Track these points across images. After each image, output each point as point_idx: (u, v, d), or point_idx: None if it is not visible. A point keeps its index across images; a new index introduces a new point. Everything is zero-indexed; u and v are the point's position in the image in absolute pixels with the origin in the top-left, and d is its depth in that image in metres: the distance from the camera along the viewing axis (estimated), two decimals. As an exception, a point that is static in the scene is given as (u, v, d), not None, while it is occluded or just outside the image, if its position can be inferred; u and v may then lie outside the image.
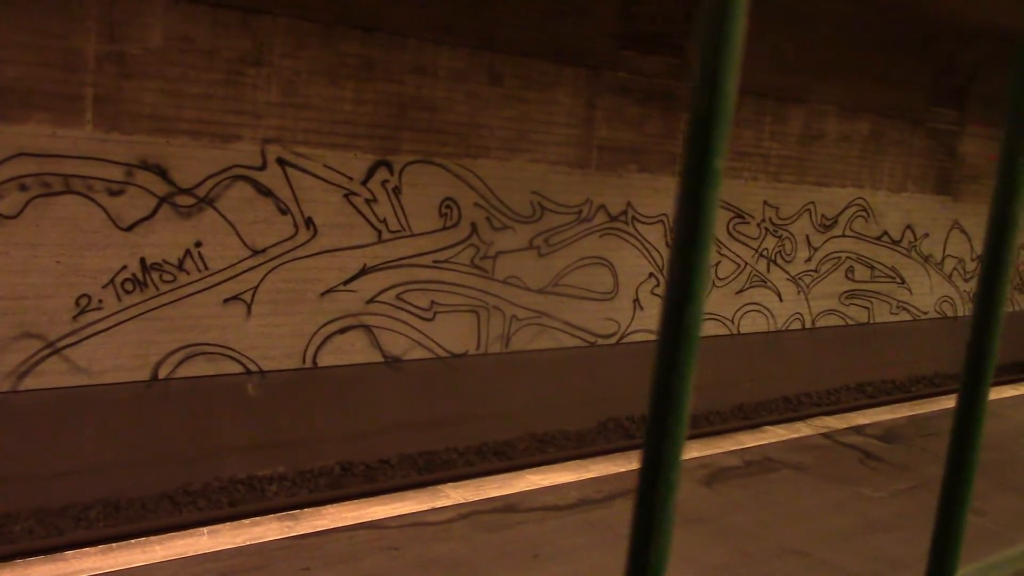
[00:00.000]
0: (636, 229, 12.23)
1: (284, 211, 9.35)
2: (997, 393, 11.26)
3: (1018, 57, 0.40)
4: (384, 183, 9.96)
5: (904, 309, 16.14)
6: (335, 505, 6.54)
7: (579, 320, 11.85)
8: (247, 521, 6.12)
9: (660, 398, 0.33)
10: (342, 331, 9.92)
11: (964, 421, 0.42)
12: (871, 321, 15.62)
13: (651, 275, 12.55)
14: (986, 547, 5.26)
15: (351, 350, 10.04)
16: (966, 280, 17.23)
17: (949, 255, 16.74)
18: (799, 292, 14.47)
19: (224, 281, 9.10)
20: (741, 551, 6.26)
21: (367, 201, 9.87)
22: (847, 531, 6.77)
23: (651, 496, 0.34)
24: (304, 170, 9.41)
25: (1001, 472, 8.25)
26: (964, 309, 17.30)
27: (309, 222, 9.51)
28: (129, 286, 8.58)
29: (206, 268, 8.97)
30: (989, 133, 16.52)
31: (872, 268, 15.48)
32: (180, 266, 8.82)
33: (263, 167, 9.16)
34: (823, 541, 6.53)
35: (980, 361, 0.42)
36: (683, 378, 0.32)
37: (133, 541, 5.72)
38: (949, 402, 10.68)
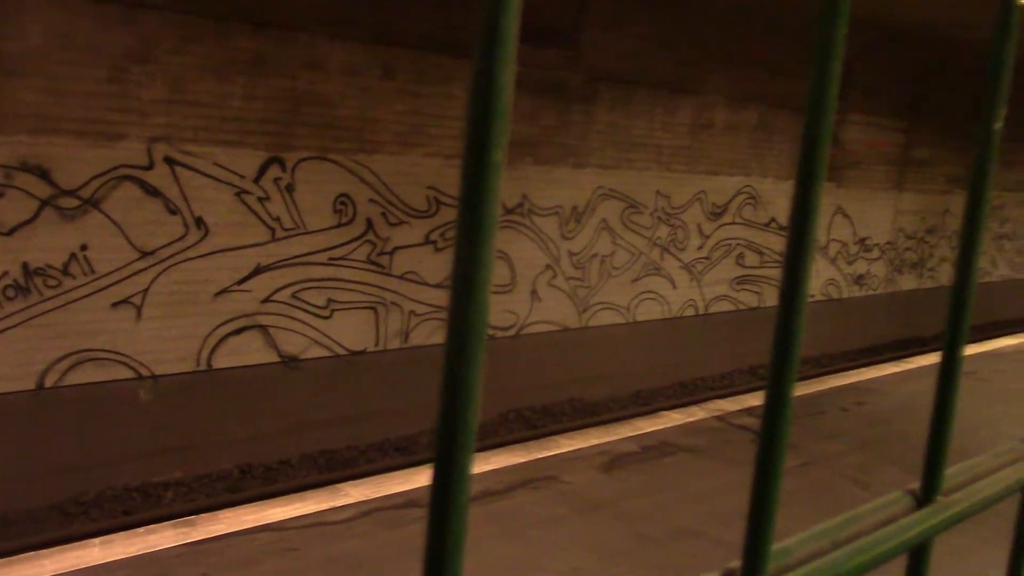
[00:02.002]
0: (532, 221, 12.33)
1: (173, 211, 9.15)
2: (879, 371, 11.72)
3: (816, 48, 0.45)
4: (277, 180, 9.83)
5: (793, 293, 16.63)
6: (233, 509, 6.45)
7: (478, 313, 11.89)
8: (142, 530, 5.99)
9: (449, 390, 0.36)
10: (237, 332, 9.77)
11: (773, 406, 0.46)
12: (761, 305, 16.07)
13: (548, 267, 12.67)
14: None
15: (247, 351, 9.89)
16: (849, 263, 17.86)
17: (834, 239, 17.32)
18: (692, 279, 14.79)
19: (112, 284, 8.87)
20: (640, 534, 6.40)
21: (260, 199, 9.73)
22: (741, 510, 6.93)
23: (445, 491, 0.36)
24: (193, 169, 9.22)
25: (884, 446, 8.60)
26: (848, 291, 17.93)
27: (200, 222, 9.32)
28: (11, 292, 8.29)
29: (93, 272, 8.72)
30: (869, 120, 17.13)
31: (761, 254, 15.92)
32: (65, 270, 8.56)
33: (150, 166, 8.94)
34: (718, 521, 6.71)
35: (786, 349, 0.47)
36: (471, 369, 0.35)
37: (22, 556, 5.55)
38: (834, 381, 11.08)
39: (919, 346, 17.91)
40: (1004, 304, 22.10)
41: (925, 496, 0.55)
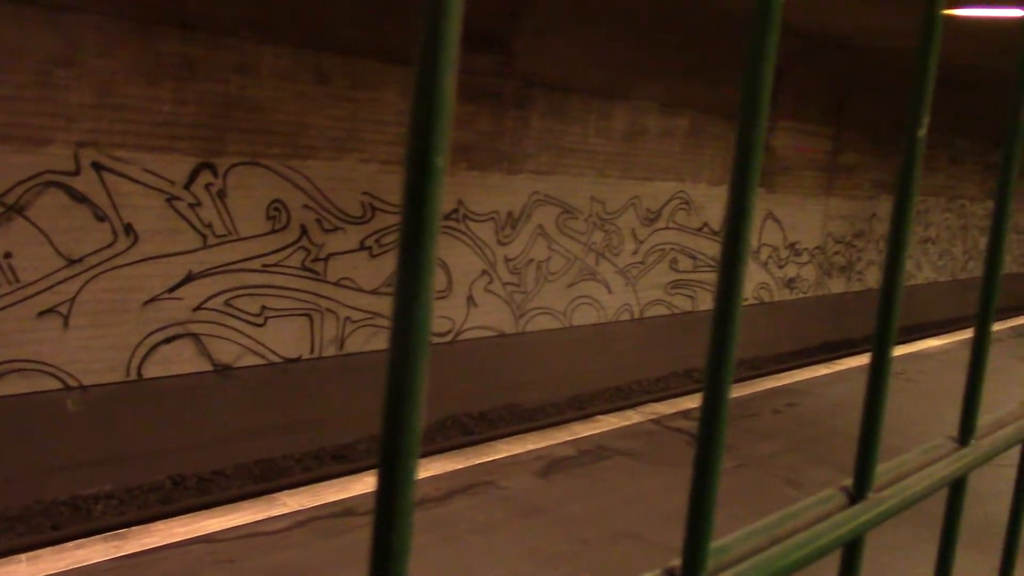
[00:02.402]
0: (468, 227, 12.33)
1: (102, 218, 8.97)
2: (811, 372, 11.94)
3: (747, 56, 0.46)
4: (208, 186, 9.69)
5: (726, 297, 16.86)
6: (166, 521, 6.33)
7: (414, 319, 11.85)
8: (70, 544, 5.85)
9: (394, 395, 0.36)
10: (168, 340, 9.60)
11: (710, 408, 0.47)
12: (695, 309, 16.26)
13: (484, 272, 12.67)
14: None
15: (179, 360, 9.73)
16: (780, 267, 18.16)
17: (765, 244, 17.61)
18: (627, 284, 14.92)
19: (38, 293, 8.65)
20: (578, 539, 6.43)
21: (191, 205, 9.58)
22: (677, 512, 7.01)
23: (390, 497, 0.36)
24: (122, 174, 9.05)
25: (816, 447, 8.76)
26: (779, 294, 18.24)
27: (129, 229, 9.15)
28: (-69, 302, 8.05)
29: (17, 280, 8.50)
30: (799, 127, 17.46)
31: (695, 258, 16.12)
32: (-12, 279, 8.34)
33: (77, 172, 8.75)
34: (655, 523, 6.77)
35: (722, 351, 0.48)
36: (416, 374, 0.35)
37: (-56, 573, 5.38)
38: (767, 383, 11.25)
39: (848, 348, 18.29)
40: (929, 306, 22.67)
41: (858, 493, 0.57)
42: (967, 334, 15.50)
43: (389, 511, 0.36)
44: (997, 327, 16.62)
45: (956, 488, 0.70)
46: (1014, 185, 0.75)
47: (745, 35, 0.49)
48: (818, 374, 11.82)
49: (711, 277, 16.52)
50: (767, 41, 0.44)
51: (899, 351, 13.77)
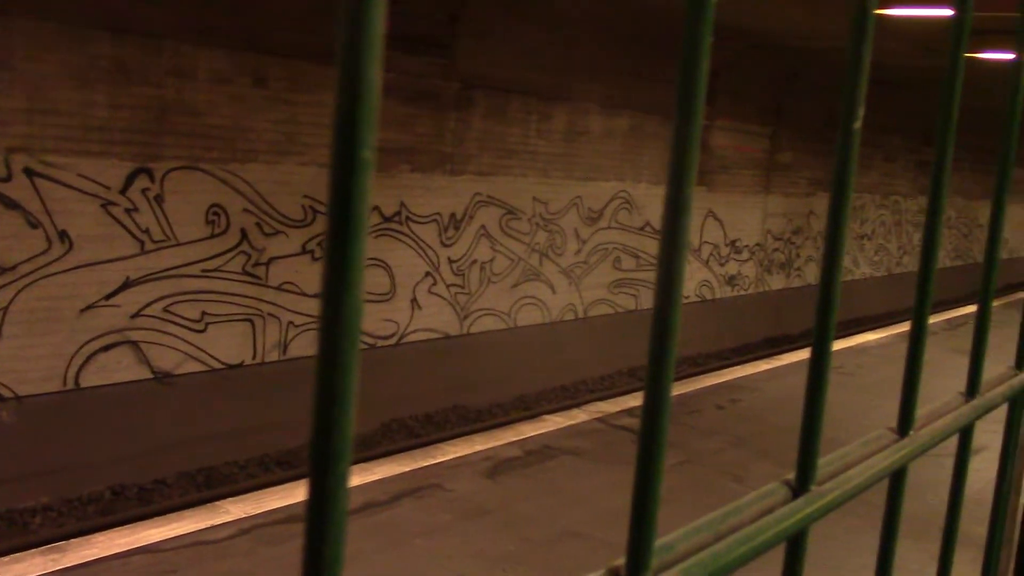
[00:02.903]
0: (411, 229, 12.28)
1: (35, 224, 8.76)
2: (752, 368, 12.09)
3: (683, 56, 0.46)
4: (145, 191, 9.53)
5: (668, 295, 17.01)
6: (106, 532, 6.21)
7: (358, 323, 11.77)
8: (7, 558, 5.71)
9: (323, 397, 0.35)
10: (106, 349, 9.42)
11: (652, 405, 0.47)
12: (639, 308, 16.38)
13: (428, 274, 12.64)
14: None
15: (117, 368, 9.55)
16: (721, 265, 18.38)
17: (706, 242, 17.80)
18: (571, 284, 14.98)
19: (-31, 302, 8.44)
20: (525, 539, 6.43)
21: (127, 211, 9.41)
22: (623, 510, 6.98)
23: (321, 504, 0.35)
24: (55, 180, 8.85)
25: (758, 442, 8.87)
26: (720, 291, 18.45)
27: (63, 235, 8.96)
28: None
29: (-53, 289, 8.29)
30: (736, 126, 17.68)
31: (637, 257, 16.24)
32: (-84, 288, 8.11)
33: (8, 178, 8.55)
34: (601, 521, 6.81)
35: (663, 348, 0.48)
36: (346, 374, 0.35)
37: None
38: (710, 380, 11.37)
39: (789, 343, 18.56)
40: (865, 301, 23.09)
41: (800, 486, 0.57)
42: (904, 328, 15.83)
43: (321, 519, 0.35)
44: (932, 320, 16.98)
45: (897, 479, 0.71)
46: (947, 183, 0.77)
47: (684, 35, 0.49)
48: (759, 370, 11.98)
49: (654, 275, 16.62)
50: (700, 43, 0.44)
51: (837, 345, 14.01)
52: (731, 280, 18.71)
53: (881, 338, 14.62)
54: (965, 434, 0.82)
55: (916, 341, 0.73)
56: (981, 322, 0.83)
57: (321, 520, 0.35)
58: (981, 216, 29.29)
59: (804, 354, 13.17)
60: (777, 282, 20.16)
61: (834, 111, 20.50)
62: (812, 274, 21.33)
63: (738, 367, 12.43)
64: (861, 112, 0.57)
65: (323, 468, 0.35)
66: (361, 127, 0.32)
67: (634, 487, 0.47)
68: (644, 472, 0.46)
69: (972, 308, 18.59)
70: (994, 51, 12.81)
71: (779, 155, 19.24)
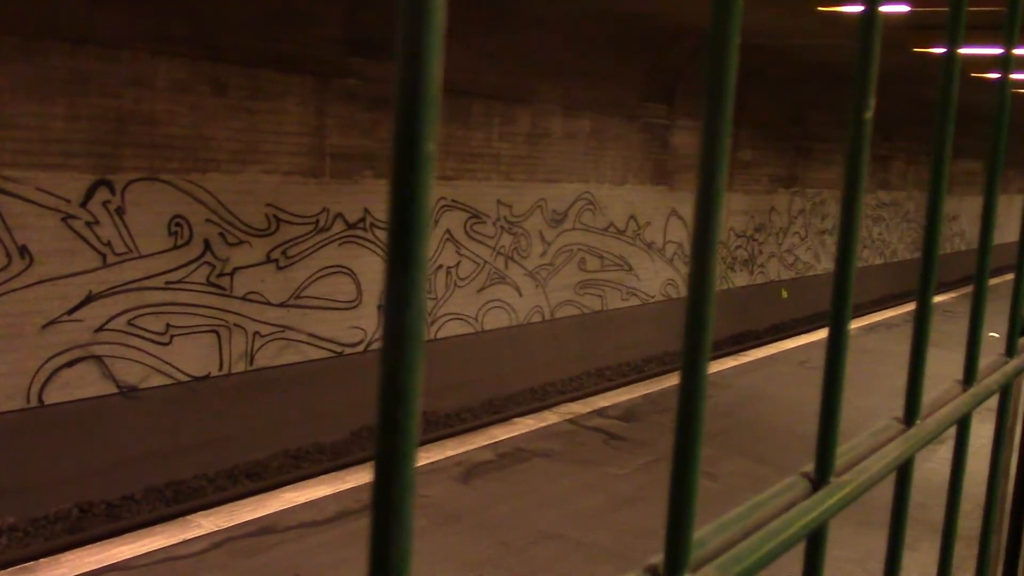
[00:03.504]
0: (375, 235, 12.23)
1: (-7, 240, 8.63)
2: (720, 365, 12.16)
3: (710, 56, 0.45)
4: (106, 204, 9.41)
5: (633, 295, 17.10)
6: (75, 551, 6.11)
7: (324, 331, 11.71)
8: (-25, 580, 5.61)
9: (389, 395, 0.35)
10: (70, 364, 9.29)
11: (687, 398, 0.47)
12: (604, 308, 16.43)
13: (394, 280, 12.57)
14: (721, 509, 5.71)
15: (81, 384, 9.42)
16: (686, 263, 18.47)
17: (670, 241, 17.89)
18: (537, 286, 14.99)
19: (-72, 321, 8.29)
20: (501, 542, 6.42)
21: (88, 224, 9.28)
22: (597, 509, 7.10)
23: (388, 499, 0.35)
24: (13, 195, 8.72)
25: (729, 438, 8.92)
26: (686, 290, 18.53)
27: (23, 250, 8.82)
28: None
29: (-95, 308, 8.13)
30: (695, 125, 17.79)
31: (602, 258, 16.29)
32: None
33: (-35, 194, 8.41)
34: (576, 522, 6.82)
35: (698, 339, 0.47)
36: (411, 370, 0.34)
37: None
38: (678, 379, 11.40)
39: (754, 339, 18.70)
40: (828, 295, 23.29)
41: (819, 479, 0.57)
42: (866, 320, 16.01)
43: (387, 522, 0.34)
44: (891, 314, 17.21)
45: (904, 469, 0.71)
46: (945, 184, 0.77)
47: (710, 37, 0.49)
48: (727, 366, 12.05)
49: (619, 276, 16.71)
50: (729, 44, 0.44)
51: (802, 340, 14.14)
52: (696, 278, 18.79)
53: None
54: (963, 423, 0.82)
55: (920, 332, 0.73)
56: (976, 311, 0.84)
57: (388, 523, 0.35)
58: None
59: (771, 350, 13.28)
60: (741, 279, 20.30)
61: (795, 109, 20.71)
62: (775, 270, 21.51)
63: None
64: (872, 103, 0.58)
65: (389, 473, 0.34)
66: (424, 120, 0.32)
67: (670, 486, 0.47)
68: (680, 467, 0.46)
69: (935, 300, 18.83)
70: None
71: (740, 153, 19.39)
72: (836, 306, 0.61)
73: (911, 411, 0.71)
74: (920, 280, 0.71)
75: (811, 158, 22.21)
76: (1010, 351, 0.96)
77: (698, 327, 0.47)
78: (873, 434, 0.70)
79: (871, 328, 14.87)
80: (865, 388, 10.53)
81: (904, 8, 11.01)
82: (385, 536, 0.35)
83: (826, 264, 23.93)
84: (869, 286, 25.05)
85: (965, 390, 0.82)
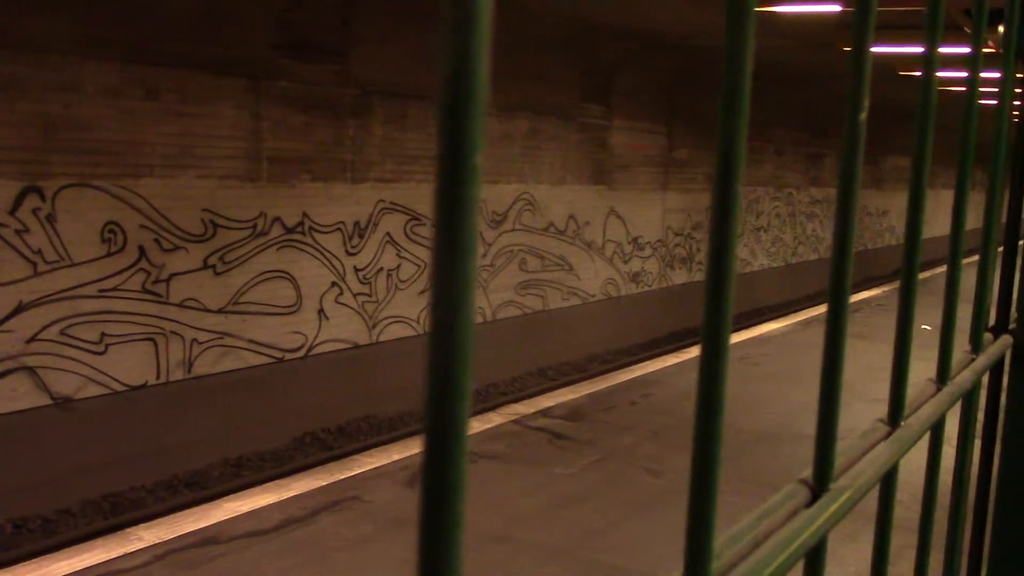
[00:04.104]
0: (314, 239, 12.11)
1: (-83, 250, 8.37)
2: (661, 363, 12.25)
3: (727, 58, 0.44)
4: (36, 211, 9.18)
5: (574, 294, 17.17)
6: (9, 569, 5.95)
7: (264, 337, 11.56)
8: (-95, 603, 5.43)
9: (439, 388, 0.33)
10: (1, 376, 9.04)
11: (708, 384, 0.46)
12: (546, 308, 16.47)
13: (334, 284, 12.48)
14: (667, 505, 5.70)
15: (12, 396, 9.17)
16: (625, 262, 18.60)
17: (609, 240, 18.00)
18: (478, 287, 14.97)
19: None
20: (448, 546, 6.38)
21: (17, 232, 9.05)
22: (544, 510, 7.11)
23: (439, 510, 0.33)
24: (-63, 203, 8.47)
25: (671, 434, 8.99)
26: (626, 289, 18.67)
27: (-51, 260, 8.57)
28: None
29: None
30: (631, 126, 17.93)
31: (543, 258, 16.33)
32: None
33: None
34: (523, 523, 6.81)
35: (717, 335, 0.46)
36: (462, 367, 0.32)
37: None
38: (621, 376, 11.47)
39: (694, 336, 18.88)
40: (765, 291, 23.67)
41: (819, 486, 0.56)
42: (802, 316, 16.27)
43: (439, 525, 0.32)
44: (826, 309, 17.48)
45: (890, 472, 0.71)
46: (926, 185, 0.77)
47: (727, 40, 0.48)
48: (668, 364, 12.15)
49: (560, 276, 16.77)
50: (744, 45, 0.43)
51: (741, 336, 14.32)
52: (635, 277, 18.95)
53: (783, 327, 14.99)
54: (939, 423, 0.82)
55: (903, 331, 0.73)
56: (949, 309, 0.84)
57: (438, 526, 0.33)
58: (869, 205, 30.33)
59: (710, 346, 13.39)
60: (680, 277, 20.50)
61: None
62: (713, 267, 21.73)
63: (648, 362, 12.58)
64: (867, 104, 0.57)
65: (440, 481, 0.32)
66: (470, 132, 0.30)
67: (690, 494, 0.45)
68: (700, 481, 0.45)
69: (865, 294, 19.23)
70: (885, 45, 13.26)
71: (676, 152, 19.58)
72: (833, 312, 0.61)
73: (895, 413, 0.71)
74: (902, 281, 0.71)
75: (744, 157, 22.51)
76: (976, 348, 0.97)
77: (716, 324, 0.46)
78: (863, 436, 0.69)
79: (806, 323, 15.11)
80: (795, 380, 10.71)
81: (836, 8, 11.21)
82: (437, 538, 0.34)
83: (762, 260, 24.28)
84: (804, 282, 25.49)
85: (939, 389, 0.83)
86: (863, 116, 0.56)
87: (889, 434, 0.69)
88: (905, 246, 0.70)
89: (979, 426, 1.18)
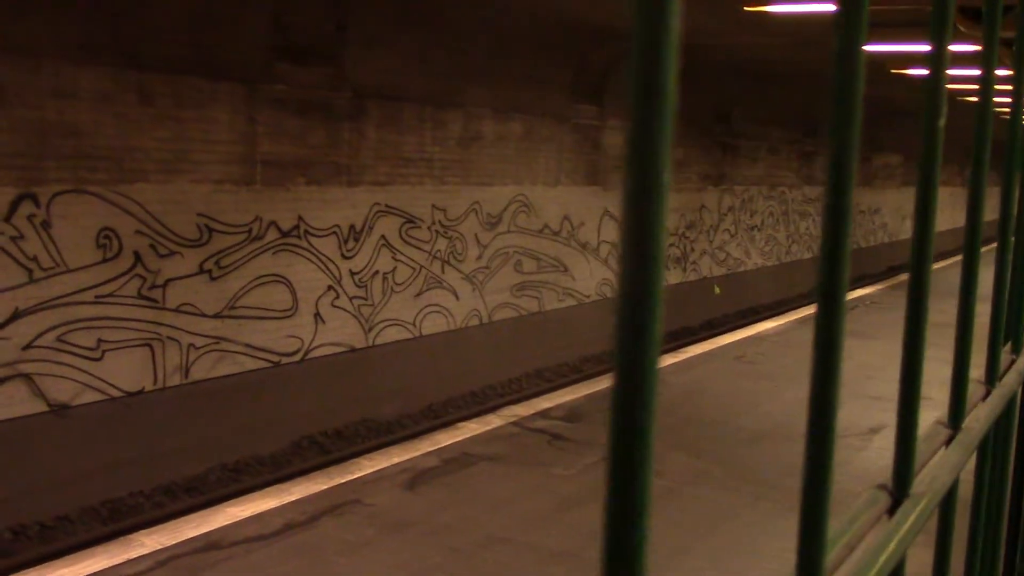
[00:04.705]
0: (310, 243, 12.09)
1: (-87, 258, 8.33)
2: (660, 362, 12.24)
3: (837, 60, 0.45)
4: (31, 217, 9.15)
5: (570, 295, 17.18)
6: (13, 575, 5.93)
7: (260, 341, 11.54)
8: (-93, 612, 5.41)
9: (624, 410, 0.33)
10: (-2, 383, 9.01)
11: (819, 411, 0.46)
12: (542, 309, 16.47)
13: (330, 288, 12.46)
14: (668, 505, 5.70)
15: (9, 403, 9.14)
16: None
17: (604, 240, 18.00)
18: (474, 289, 14.97)
19: None
20: (451, 548, 6.39)
21: (13, 239, 9.02)
22: (545, 511, 7.10)
23: (625, 500, 0.33)
24: (-67, 210, 8.44)
25: (672, 434, 8.99)
26: (622, 289, 18.64)
27: (-55, 267, 8.53)
28: None
29: None
30: (626, 126, 17.92)
31: (538, 260, 16.32)
32: None
33: None
34: (525, 525, 6.81)
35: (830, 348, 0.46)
36: (648, 364, 0.32)
37: None
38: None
39: (690, 335, 18.91)
40: (760, 290, 23.70)
41: (899, 492, 0.56)
42: (798, 314, 16.29)
43: (624, 532, 0.32)
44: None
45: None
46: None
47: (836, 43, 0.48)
48: (667, 363, 12.15)
49: (555, 277, 16.77)
50: (856, 47, 0.43)
51: (737, 335, 14.34)
52: (630, 277, 18.91)
53: (778, 326, 15.01)
54: (999, 425, 0.83)
55: (962, 339, 0.73)
56: (996, 314, 0.84)
57: (625, 523, 0.33)
58: (861, 203, 30.39)
59: (708, 346, 13.44)
60: (674, 276, 20.52)
61: (721, 107, 21.01)
62: (707, 267, 21.78)
63: (644, 362, 12.56)
64: (944, 110, 0.57)
65: (627, 467, 0.32)
66: (658, 148, 0.30)
67: (801, 503, 0.45)
68: (812, 486, 0.45)
69: (860, 292, 19.26)
70: (876, 44, 13.28)
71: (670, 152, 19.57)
72: (911, 319, 0.61)
73: (957, 415, 0.71)
74: (962, 287, 0.72)
75: (738, 156, 22.55)
76: (1016, 348, 0.98)
77: (830, 340, 0.46)
78: (926, 439, 0.70)
79: (801, 322, 15.13)
80: (791, 379, 10.72)
81: (831, 7, 11.21)
82: (626, 471, 0.34)
83: (756, 260, 24.31)
84: (797, 280, 25.53)
85: (988, 391, 0.83)
86: (941, 122, 0.56)
87: (951, 437, 0.69)
88: (964, 259, 0.70)
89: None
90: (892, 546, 0.49)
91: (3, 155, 8.90)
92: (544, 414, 9.59)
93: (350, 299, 12.78)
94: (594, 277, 17.83)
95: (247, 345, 11.36)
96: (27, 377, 9.26)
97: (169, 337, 10.51)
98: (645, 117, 0.30)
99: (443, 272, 14.33)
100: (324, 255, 12.32)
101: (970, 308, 0.71)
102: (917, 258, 0.60)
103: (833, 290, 0.61)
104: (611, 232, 18.19)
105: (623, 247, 0.31)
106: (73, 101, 9.40)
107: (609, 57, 16.61)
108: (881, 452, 8.43)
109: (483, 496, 7.41)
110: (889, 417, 9.18)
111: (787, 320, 15.65)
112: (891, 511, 0.54)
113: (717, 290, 21.87)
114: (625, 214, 0.31)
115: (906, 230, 35.05)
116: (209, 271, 10.87)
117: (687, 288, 20.88)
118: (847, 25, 0.58)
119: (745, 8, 11.99)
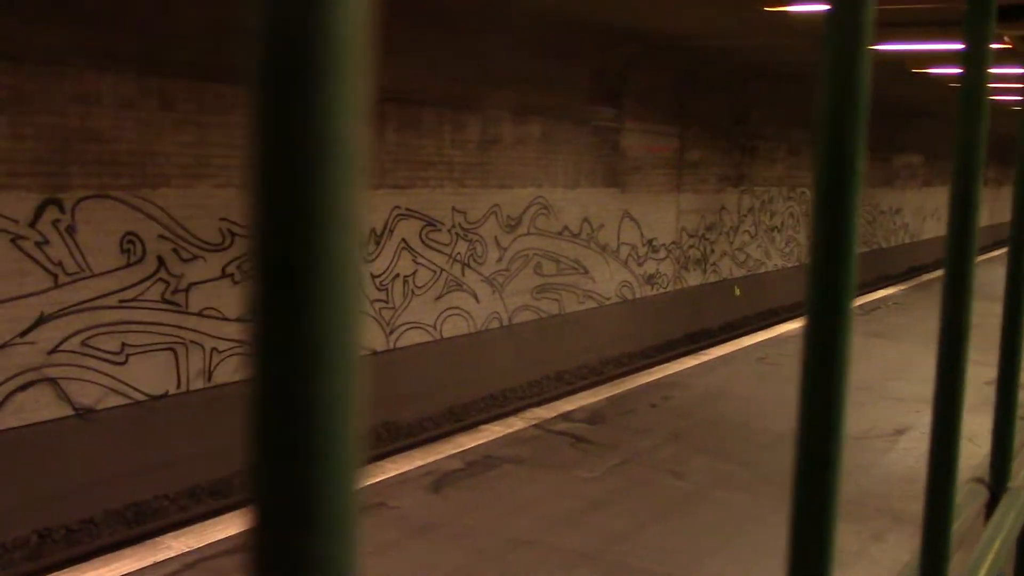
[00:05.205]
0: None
1: (-60, 263, 8.41)
2: (680, 365, 12.23)
3: (965, 64, 0.45)
4: (56, 223, 9.22)
5: (590, 297, 17.15)
6: (42, 578, 5.97)
7: (283, 344, 11.56)
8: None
9: (811, 403, 0.33)
10: (23, 388, 9.08)
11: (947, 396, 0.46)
12: (562, 312, 16.46)
13: (351, 290, 12.47)
14: (691, 507, 5.70)
15: (36, 407, 9.21)
16: (640, 264, 18.57)
17: (623, 243, 17.97)
18: (494, 292, 14.97)
19: None
20: (476, 550, 6.39)
21: (38, 244, 9.09)
22: (569, 514, 7.10)
23: (812, 496, 0.33)
24: (-41, 216, 8.51)
25: (693, 437, 8.98)
26: (641, 291, 18.63)
27: (-28, 273, 8.61)
28: None
29: None
30: (643, 128, 17.91)
31: (558, 262, 16.31)
32: None
33: (-91, 217, 8.19)
34: (550, 527, 6.81)
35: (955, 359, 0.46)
36: (840, 364, 0.32)
37: None
38: (640, 379, 11.45)
39: (709, 338, 18.85)
40: (781, 292, 23.58)
41: (997, 485, 0.56)
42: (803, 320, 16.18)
43: (812, 519, 0.32)
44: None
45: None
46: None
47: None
48: (687, 366, 12.13)
49: (575, 280, 16.75)
50: (984, 44, 0.43)
51: (759, 336, 14.28)
52: (650, 279, 18.92)
53: (800, 327, 14.93)
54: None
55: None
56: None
57: (812, 522, 0.33)
58: (883, 203, 30.23)
59: (729, 348, 13.39)
60: (694, 278, 20.46)
61: (737, 107, 20.94)
62: (727, 269, 21.71)
63: (667, 364, 12.56)
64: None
65: (812, 467, 0.32)
66: (850, 139, 0.30)
67: (924, 505, 0.45)
68: (935, 491, 0.45)
69: (882, 293, 19.16)
70: (889, 43, 13.23)
71: (688, 153, 19.55)
72: (1009, 315, 0.61)
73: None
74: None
75: (757, 156, 22.47)
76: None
77: (954, 353, 0.46)
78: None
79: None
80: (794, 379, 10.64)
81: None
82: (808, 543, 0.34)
83: (776, 261, 24.22)
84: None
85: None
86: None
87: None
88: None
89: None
90: (1002, 539, 0.49)
91: (28, 161, 8.97)
92: (566, 416, 9.58)
93: (371, 302, 12.81)
94: (614, 279, 17.80)
95: (269, 349, 11.39)
96: (53, 381, 9.33)
97: (192, 341, 10.56)
98: (837, 119, 0.30)
99: (463, 275, 14.34)
100: (345, 258, 12.33)
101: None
102: (1013, 279, 0.60)
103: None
104: (631, 234, 18.15)
105: (813, 252, 0.31)
106: (96, 107, 9.47)
107: (627, 59, 16.59)
108: (907, 453, 8.37)
109: (507, 498, 7.42)
110: (914, 419, 9.12)
111: (796, 325, 15.56)
112: (990, 504, 0.54)
113: (738, 291, 21.79)
114: (816, 212, 0.31)
115: (927, 230, 34.83)
116: (232, 275, 10.92)
117: (708, 290, 20.82)
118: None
119: (765, 8, 11.96)
